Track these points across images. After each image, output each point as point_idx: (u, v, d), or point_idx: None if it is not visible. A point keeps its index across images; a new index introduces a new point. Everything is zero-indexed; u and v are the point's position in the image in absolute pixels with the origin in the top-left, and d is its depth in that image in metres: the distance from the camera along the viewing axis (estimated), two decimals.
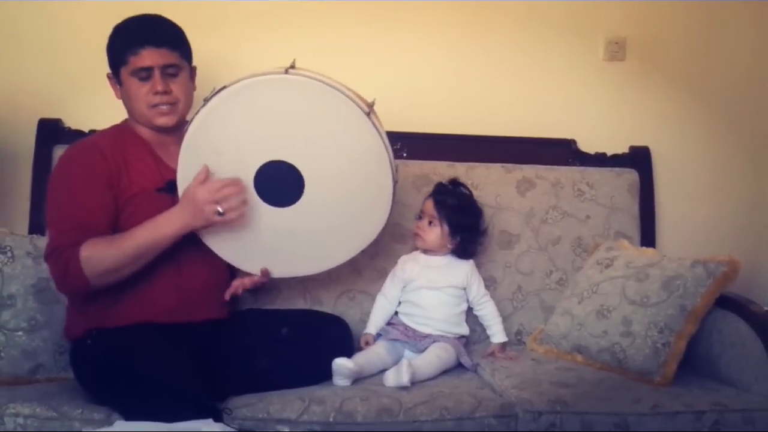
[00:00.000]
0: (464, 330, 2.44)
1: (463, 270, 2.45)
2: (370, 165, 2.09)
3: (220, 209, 1.98)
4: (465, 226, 2.45)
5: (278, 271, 2.22)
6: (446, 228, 2.42)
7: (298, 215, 2.10)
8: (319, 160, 2.06)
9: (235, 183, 2.01)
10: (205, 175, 2.00)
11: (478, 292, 2.46)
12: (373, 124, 2.05)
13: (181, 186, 2.06)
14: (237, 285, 2.23)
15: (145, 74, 2.08)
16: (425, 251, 2.46)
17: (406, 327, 2.38)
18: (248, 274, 2.23)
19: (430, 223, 2.43)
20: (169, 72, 2.10)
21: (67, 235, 1.99)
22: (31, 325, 2.16)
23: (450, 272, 2.43)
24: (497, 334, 2.46)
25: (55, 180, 2.11)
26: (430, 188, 2.55)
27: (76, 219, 2.01)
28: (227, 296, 2.22)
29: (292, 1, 2.70)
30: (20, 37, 2.62)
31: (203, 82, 2.19)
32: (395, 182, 2.13)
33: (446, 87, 2.83)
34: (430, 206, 2.43)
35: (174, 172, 2.10)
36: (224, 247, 2.15)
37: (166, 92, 2.10)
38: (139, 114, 2.13)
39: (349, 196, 2.11)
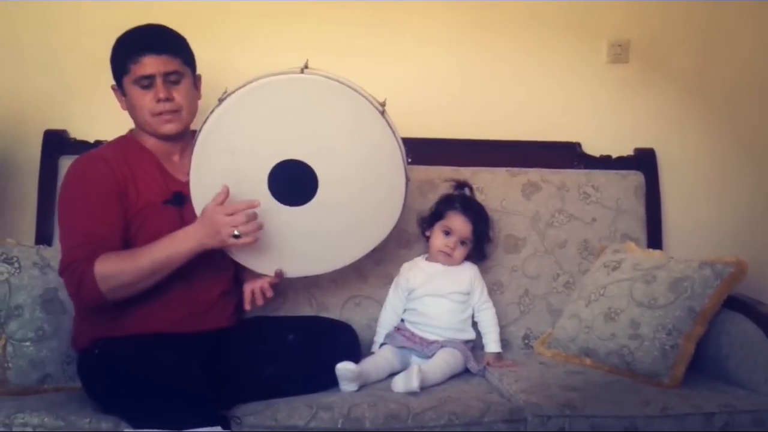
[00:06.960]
0: (470, 335, 2.42)
1: (467, 275, 2.42)
2: (384, 162, 2.10)
3: (236, 232, 1.96)
4: (485, 236, 2.47)
5: (292, 271, 2.20)
6: (473, 245, 2.43)
7: (312, 214, 2.10)
8: (333, 158, 2.07)
9: (252, 206, 1.98)
10: (225, 196, 1.98)
11: (480, 298, 2.43)
12: (387, 122, 2.06)
13: (194, 186, 2.06)
14: (252, 290, 2.22)
15: (147, 82, 2.08)
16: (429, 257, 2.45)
17: (413, 333, 2.36)
18: (254, 276, 2.22)
19: (462, 243, 2.40)
20: (171, 79, 2.09)
21: (80, 250, 1.99)
22: (39, 335, 2.16)
23: (454, 278, 2.41)
24: (491, 344, 2.41)
25: (65, 194, 2.10)
26: (435, 194, 2.55)
27: (88, 233, 2.01)
28: (248, 307, 2.23)
29: (297, 6, 2.71)
30: (25, 49, 2.63)
31: (210, 85, 2.19)
32: (407, 180, 2.13)
33: (450, 91, 2.82)
34: (464, 227, 2.39)
35: (180, 183, 2.11)
36: (239, 250, 2.12)
37: (169, 99, 2.09)
38: (144, 123, 2.13)
39: (362, 193, 2.12)
